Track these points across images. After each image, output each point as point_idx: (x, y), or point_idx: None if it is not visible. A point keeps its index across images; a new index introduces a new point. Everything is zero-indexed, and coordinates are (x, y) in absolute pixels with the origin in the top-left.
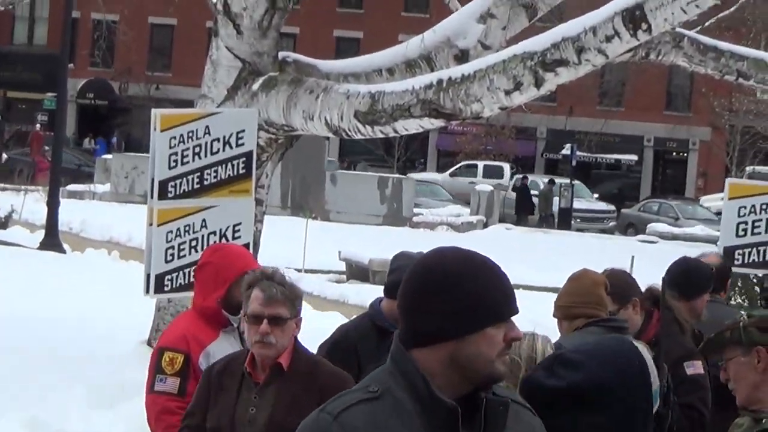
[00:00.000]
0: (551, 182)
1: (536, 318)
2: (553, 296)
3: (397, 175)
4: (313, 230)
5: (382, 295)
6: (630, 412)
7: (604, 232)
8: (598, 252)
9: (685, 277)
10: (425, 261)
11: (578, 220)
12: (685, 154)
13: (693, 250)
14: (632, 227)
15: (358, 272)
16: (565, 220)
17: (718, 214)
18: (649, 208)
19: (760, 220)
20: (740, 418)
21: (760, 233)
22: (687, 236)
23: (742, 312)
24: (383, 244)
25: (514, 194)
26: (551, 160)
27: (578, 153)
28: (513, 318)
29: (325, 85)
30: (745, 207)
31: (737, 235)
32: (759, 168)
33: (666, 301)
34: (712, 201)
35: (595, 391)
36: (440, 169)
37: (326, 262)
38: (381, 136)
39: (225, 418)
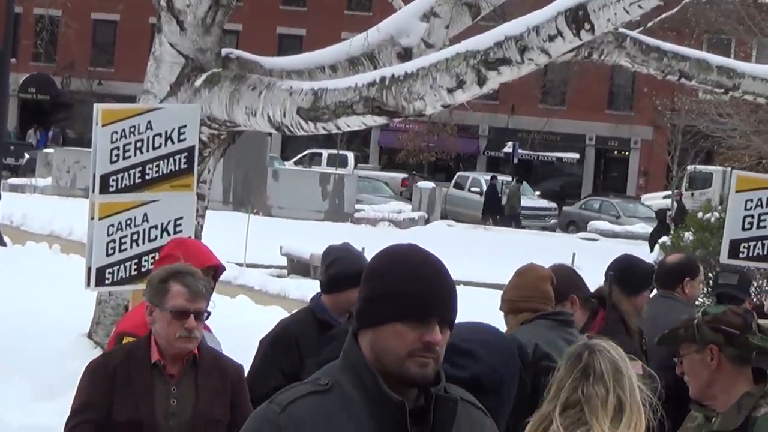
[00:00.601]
0: (519, 181)
1: (479, 313)
2: (495, 292)
3: (339, 171)
4: (255, 225)
5: None
6: (510, 395)
7: (546, 230)
8: (540, 249)
9: (626, 274)
10: (377, 254)
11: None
12: (627, 153)
13: (634, 248)
14: (573, 225)
15: (299, 267)
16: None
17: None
18: (591, 206)
19: (767, 213)
20: (694, 411)
21: (765, 227)
22: (628, 234)
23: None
24: (325, 239)
25: (457, 191)
26: (493, 158)
27: (520, 151)
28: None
29: (268, 82)
30: (752, 200)
31: (743, 229)
32: (700, 167)
33: (612, 299)
34: (653, 199)
35: (491, 378)
36: (383, 166)
37: (267, 257)
38: (323, 132)
39: (143, 411)
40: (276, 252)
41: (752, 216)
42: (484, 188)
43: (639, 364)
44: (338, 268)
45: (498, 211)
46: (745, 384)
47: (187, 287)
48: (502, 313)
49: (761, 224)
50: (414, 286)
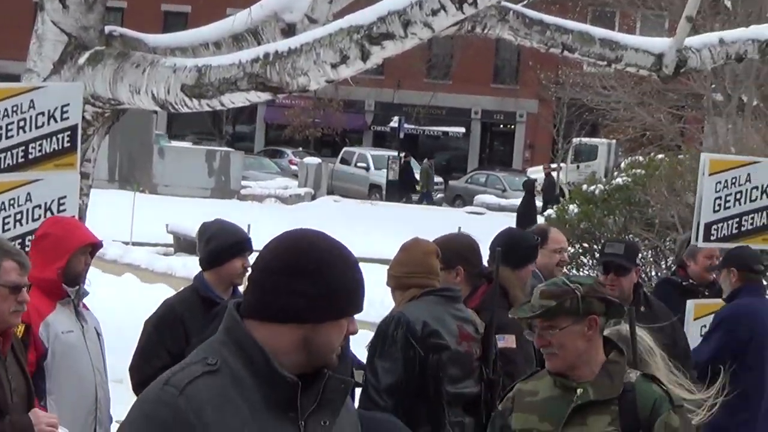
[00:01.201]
0: (431, 157)
1: (368, 289)
2: (382, 267)
3: (225, 149)
4: (141, 203)
5: None
6: None
7: (432, 204)
8: (426, 223)
9: (510, 248)
10: (289, 240)
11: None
12: (513, 127)
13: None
14: (460, 199)
15: (185, 245)
16: (393, 192)
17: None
18: (477, 180)
19: (731, 194)
20: (531, 383)
21: (730, 207)
22: (514, 207)
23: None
24: (211, 216)
25: (343, 167)
26: (379, 132)
27: (406, 126)
28: None
29: (152, 59)
30: (720, 182)
31: (714, 211)
32: (585, 140)
33: (498, 272)
34: (538, 172)
35: None
36: (269, 143)
37: (154, 235)
38: (208, 109)
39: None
40: (162, 230)
41: (720, 197)
42: (371, 164)
43: (513, 337)
44: (217, 242)
45: (412, 188)
46: (601, 353)
47: (18, 262)
48: (389, 289)
49: (727, 205)
50: (357, 281)
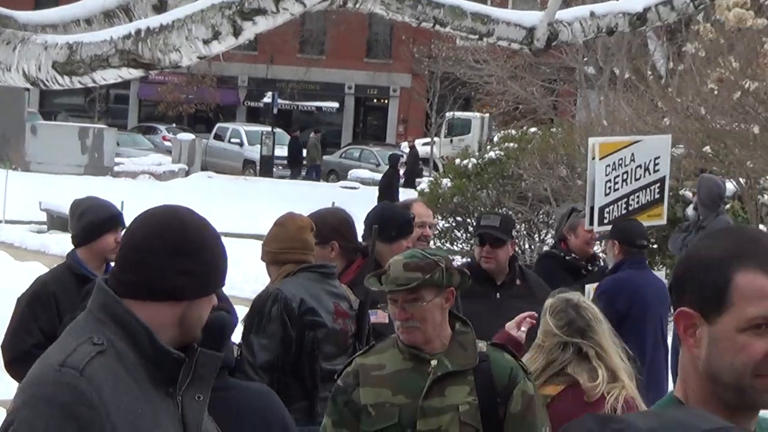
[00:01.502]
0: (317, 132)
1: (243, 264)
2: (257, 242)
3: (98, 126)
4: (14, 181)
5: None
6: None
7: (306, 179)
8: (301, 198)
9: (385, 222)
10: (166, 219)
11: (280, 167)
12: (386, 101)
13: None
14: (334, 173)
15: (58, 222)
16: (267, 167)
17: (420, 159)
18: (351, 155)
19: (618, 175)
20: (373, 356)
21: (618, 189)
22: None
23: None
24: (85, 193)
25: (217, 142)
26: (253, 108)
27: (280, 101)
28: None
29: (23, 36)
30: (609, 165)
31: (605, 194)
32: (459, 114)
33: (374, 247)
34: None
35: None
36: (142, 119)
37: (27, 213)
38: (80, 86)
39: None
40: (35, 207)
41: (610, 180)
42: (245, 139)
43: (385, 312)
44: (89, 218)
45: (300, 164)
46: (448, 324)
47: None
48: (264, 264)
49: (616, 187)
50: (225, 256)
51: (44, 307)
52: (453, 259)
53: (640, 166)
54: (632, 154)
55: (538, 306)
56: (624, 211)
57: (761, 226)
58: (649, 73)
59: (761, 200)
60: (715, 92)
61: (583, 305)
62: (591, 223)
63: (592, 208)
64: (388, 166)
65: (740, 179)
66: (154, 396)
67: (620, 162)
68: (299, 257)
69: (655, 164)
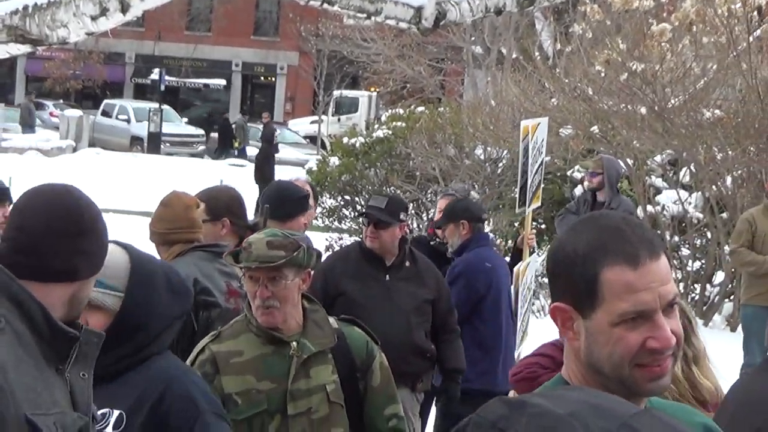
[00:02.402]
0: (244, 113)
1: (131, 243)
2: (145, 219)
3: None
4: None
5: None
6: None
7: (194, 156)
8: (189, 175)
9: (279, 201)
10: (60, 200)
11: (168, 144)
12: (273, 79)
13: (283, 173)
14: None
15: None
16: (154, 144)
17: (306, 137)
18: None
19: (529, 157)
20: (226, 343)
21: (526, 171)
22: (276, 160)
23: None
24: None
25: (104, 119)
26: (140, 85)
27: (167, 78)
28: None
29: None
30: (528, 147)
31: (521, 176)
32: (346, 92)
33: (266, 225)
34: (299, 125)
35: None
36: (29, 94)
37: None
38: None
39: None
40: None
41: (526, 162)
42: (132, 116)
43: None
44: None
45: (231, 144)
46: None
47: None
48: (153, 244)
49: (524, 168)
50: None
51: None
52: (341, 238)
53: (535, 147)
54: (536, 136)
55: (426, 288)
56: (531, 194)
57: (648, 207)
58: (537, 53)
59: (648, 181)
60: (603, 74)
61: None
62: (522, 205)
63: (520, 190)
64: (262, 142)
65: (627, 160)
66: (48, 374)
67: (534, 145)
68: (188, 236)
69: (541, 146)
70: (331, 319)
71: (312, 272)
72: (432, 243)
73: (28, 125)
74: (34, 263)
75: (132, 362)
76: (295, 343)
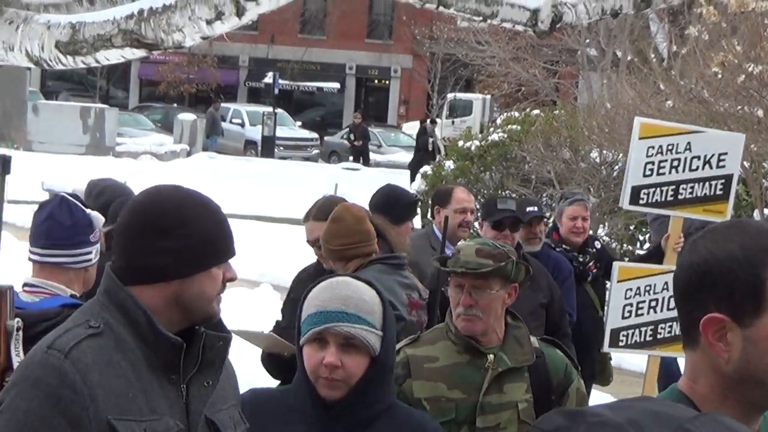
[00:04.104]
0: (356, 116)
1: (248, 245)
2: (259, 223)
3: (99, 105)
4: (16, 161)
5: None
6: None
7: (308, 160)
8: (304, 179)
9: (390, 204)
10: (146, 199)
11: (281, 148)
12: (387, 82)
13: (396, 177)
14: (335, 154)
15: None
16: (268, 148)
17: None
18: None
19: (666, 160)
20: (424, 347)
21: (664, 173)
22: (390, 163)
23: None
24: (86, 173)
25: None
26: (254, 88)
27: (280, 81)
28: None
29: (25, 16)
30: (653, 147)
31: (644, 175)
32: (460, 95)
33: (380, 229)
34: (414, 128)
35: None
36: (143, 99)
37: (29, 193)
38: (83, 66)
39: None
40: (38, 187)
41: (653, 163)
42: (246, 120)
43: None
44: (107, 197)
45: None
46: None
47: None
48: (331, 260)
49: (660, 171)
50: (221, 228)
51: None
52: None
53: (698, 157)
54: (688, 143)
55: (541, 293)
56: (671, 197)
57: (765, 210)
58: (652, 55)
59: (765, 184)
60: (719, 76)
61: None
62: (623, 201)
63: (625, 186)
64: (416, 149)
65: (744, 163)
66: (151, 382)
67: (670, 147)
68: (365, 250)
69: (720, 159)
70: (533, 338)
71: (518, 288)
72: (557, 249)
73: (214, 134)
74: (124, 266)
75: (381, 408)
76: (492, 356)
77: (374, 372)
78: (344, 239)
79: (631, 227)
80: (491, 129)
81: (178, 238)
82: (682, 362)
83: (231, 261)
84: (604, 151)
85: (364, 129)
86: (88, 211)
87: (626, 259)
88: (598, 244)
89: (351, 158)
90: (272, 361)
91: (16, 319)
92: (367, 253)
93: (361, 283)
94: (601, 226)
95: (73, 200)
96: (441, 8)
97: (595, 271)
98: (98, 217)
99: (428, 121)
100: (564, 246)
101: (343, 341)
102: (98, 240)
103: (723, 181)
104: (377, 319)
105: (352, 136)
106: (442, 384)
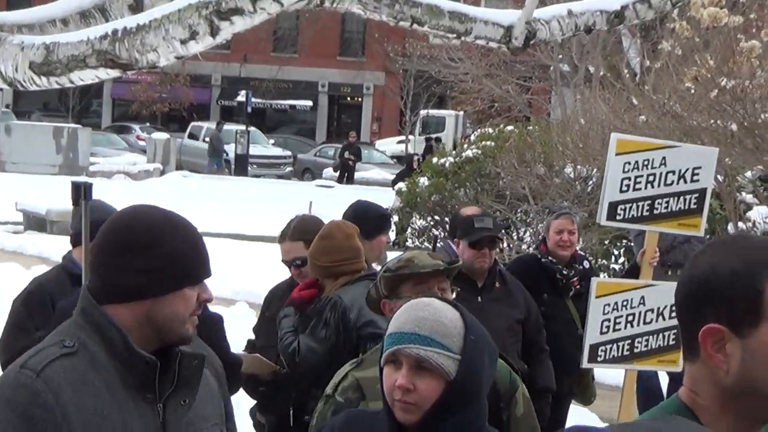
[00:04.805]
0: (330, 134)
1: (221, 263)
2: (234, 242)
3: (72, 125)
4: None
5: (67, 244)
6: None
7: (282, 178)
8: (277, 197)
9: (362, 218)
10: (122, 218)
11: (255, 166)
12: (360, 99)
13: (370, 194)
14: (309, 172)
15: (35, 222)
16: (241, 166)
17: (393, 157)
18: (325, 153)
19: (641, 175)
20: (367, 370)
21: (640, 189)
22: (363, 180)
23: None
24: (60, 193)
25: (191, 141)
26: (226, 107)
27: (253, 99)
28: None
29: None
30: (629, 163)
31: (621, 191)
32: (433, 111)
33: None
34: (387, 144)
35: None
36: (116, 119)
37: (2, 214)
38: (57, 87)
39: None
40: (11, 208)
41: (629, 178)
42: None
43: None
44: (97, 215)
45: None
46: None
47: None
48: (318, 277)
49: (636, 186)
50: (196, 248)
51: (40, 306)
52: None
53: (672, 171)
54: (663, 158)
55: (517, 309)
56: (646, 212)
57: (740, 223)
58: (625, 70)
59: (739, 197)
60: (692, 90)
61: None
62: (600, 217)
63: (602, 202)
64: (404, 166)
65: (718, 176)
66: (126, 401)
67: (645, 163)
68: (353, 267)
69: (694, 174)
70: None
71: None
72: (543, 260)
73: (216, 155)
74: (99, 285)
75: None
76: None
77: (450, 397)
78: (333, 256)
79: (606, 242)
80: (465, 145)
81: (152, 258)
82: (662, 376)
83: (207, 280)
84: (578, 166)
85: (358, 148)
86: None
87: (603, 273)
88: (587, 264)
89: (337, 174)
90: (253, 384)
91: None
92: (356, 270)
93: (444, 305)
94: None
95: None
96: (415, 26)
97: (578, 287)
98: None
99: (434, 138)
100: (550, 258)
101: (414, 363)
102: None
103: (697, 195)
104: (455, 343)
105: (346, 154)
106: None
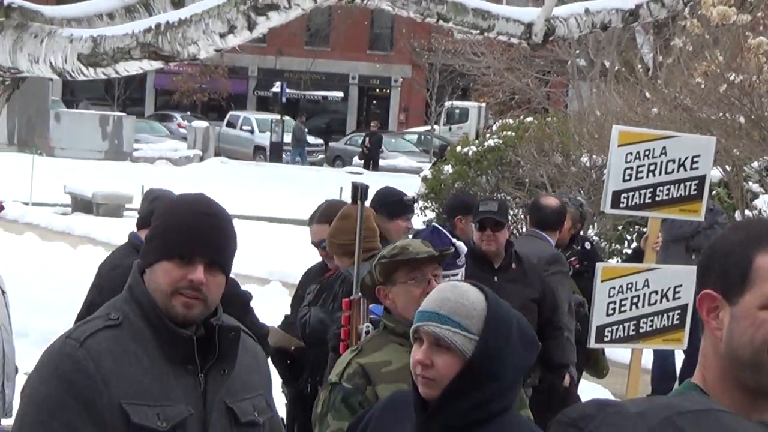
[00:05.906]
0: (359, 123)
1: (258, 245)
2: (269, 225)
3: (117, 113)
4: (39, 166)
5: (113, 225)
6: None
7: (314, 165)
8: (309, 183)
9: (382, 202)
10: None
11: (289, 153)
12: (388, 91)
13: (396, 180)
14: (339, 159)
15: (82, 204)
16: (276, 153)
17: (418, 145)
18: (355, 142)
19: (643, 165)
20: (372, 354)
21: (642, 177)
22: (390, 167)
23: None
24: (105, 177)
25: (229, 129)
26: (262, 97)
27: (287, 90)
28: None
29: (50, 30)
30: (631, 153)
31: (623, 180)
32: (457, 103)
33: (381, 229)
34: (413, 134)
35: None
36: (158, 107)
37: (52, 196)
38: (104, 77)
39: None
40: (60, 191)
41: (631, 168)
42: (255, 127)
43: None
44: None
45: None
46: None
47: None
48: (335, 255)
49: (638, 175)
50: (180, 224)
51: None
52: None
53: (673, 160)
54: (663, 148)
55: (531, 288)
56: (648, 200)
57: (746, 212)
58: (638, 66)
59: (746, 186)
60: (702, 85)
61: None
62: (605, 206)
63: (606, 191)
64: (437, 157)
65: (726, 167)
66: (168, 372)
67: (647, 153)
68: (369, 245)
69: (693, 162)
70: None
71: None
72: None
73: (299, 146)
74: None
75: (480, 417)
76: None
77: (467, 376)
78: (351, 235)
79: (619, 227)
80: (487, 135)
81: (150, 231)
82: (677, 356)
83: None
84: (594, 156)
85: (379, 137)
86: (454, 240)
87: (615, 257)
88: (588, 245)
89: (363, 162)
90: (280, 357)
91: (366, 324)
92: (369, 249)
93: (469, 288)
94: (591, 226)
95: (443, 230)
96: (441, 22)
97: (577, 266)
98: (462, 247)
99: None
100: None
101: (433, 341)
102: (464, 264)
103: (697, 182)
104: (474, 324)
105: (367, 141)
106: (404, 384)
